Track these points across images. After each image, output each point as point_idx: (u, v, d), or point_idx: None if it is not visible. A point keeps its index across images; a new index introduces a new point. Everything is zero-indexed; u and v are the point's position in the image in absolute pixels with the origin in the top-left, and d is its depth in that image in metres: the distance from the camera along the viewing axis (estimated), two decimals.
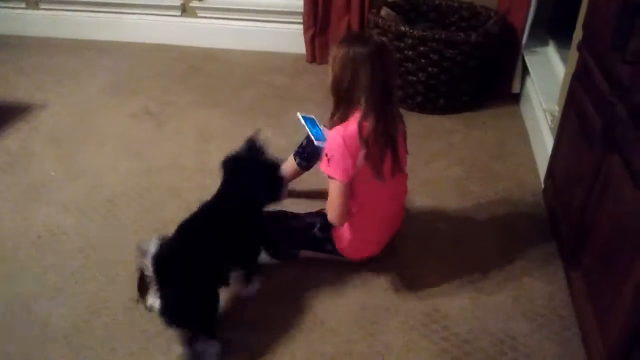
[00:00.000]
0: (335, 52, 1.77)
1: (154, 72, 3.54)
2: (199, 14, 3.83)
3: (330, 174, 1.80)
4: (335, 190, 1.82)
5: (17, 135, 2.87)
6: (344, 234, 1.93)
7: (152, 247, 1.48)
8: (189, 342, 1.64)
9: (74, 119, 3.03)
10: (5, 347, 1.76)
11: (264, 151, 1.86)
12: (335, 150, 1.76)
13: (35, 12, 4.05)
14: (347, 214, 1.86)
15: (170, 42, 3.88)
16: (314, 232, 1.98)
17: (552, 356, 1.69)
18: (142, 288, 1.55)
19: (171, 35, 3.88)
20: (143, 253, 1.49)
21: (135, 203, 2.40)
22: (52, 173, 2.59)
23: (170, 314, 1.55)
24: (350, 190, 1.82)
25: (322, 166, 1.82)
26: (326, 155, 1.79)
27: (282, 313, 1.87)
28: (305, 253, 2.04)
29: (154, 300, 1.53)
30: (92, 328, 1.81)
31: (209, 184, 2.48)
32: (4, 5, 4.05)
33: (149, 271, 1.49)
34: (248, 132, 2.82)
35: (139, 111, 3.09)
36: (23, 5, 4.04)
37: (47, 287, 1.97)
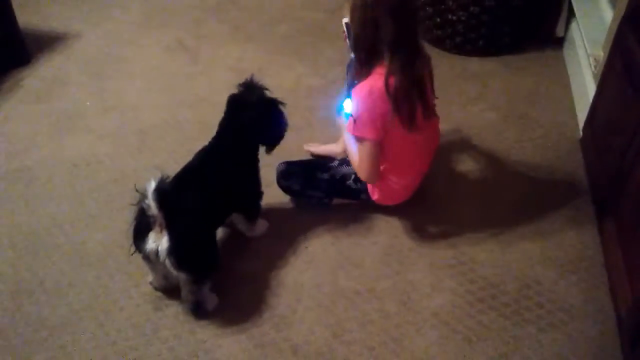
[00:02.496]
0: (354, 2, 1.66)
1: (187, 4, 3.49)
2: None
3: (358, 135, 1.75)
4: (364, 150, 1.77)
5: (51, 64, 2.89)
6: (379, 186, 1.93)
7: (152, 185, 1.44)
8: (190, 289, 1.63)
9: (108, 49, 3.03)
10: (43, 269, 1.84)
11: (263, 91, 1.77)
12: (362, 110, 1.70)
13: None
14: (379, 172, 1.83)
15: None
16: (348, 183, 1.97)
17: (577, 303, 1.69)
18: (139, 233, 1.53)
19: None
20: (143, 193, 1.46)
21: (168, 135, 2.42)
22: (88, 103, 2.62)
23: (182, 251, 1.51)
24: (381, 147, 1.78)
25: (349, 129, 1.76)
26: (352, 116, 1.73)
27: (308, 250, 1.89)
28: (337, 200, 2.04)
29: (156, 242, 1.51)
30: (126, 253, 1.87)
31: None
32: None
33: (153, 209, 1.45)
34: (281, 69, 2.85)
35: (172, 44, 3.07)
36: None
37: (83, 214, 2.03)
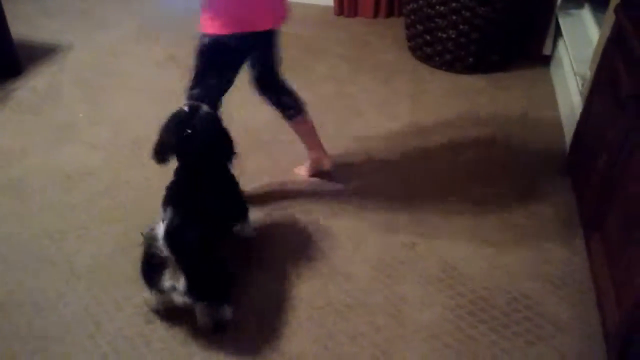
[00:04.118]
0: None
1: (179, 20, 3.52)
2: None
3: None
4: None
5: (43, 75, 2.90)
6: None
7: (162, 229, 1.45)
8: (209, 313, 1.64)
9: (100, 62, 3.04)
10: (33, 280, 1.83)
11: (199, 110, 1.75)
12: None
13: None
14: None
15: None
16: None
17: (565, 317, 1.71)
18: (152, 272, 1.54)
19: None
20: (152, 238, 1.45)
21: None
22: (80, 115, 2.62)
23: (199, 289, 1.53)
24: None
25: None
26: None
27: (299, 263, 1.91)
28: None
29: (172, 281, 1.52)
30: (117, 265, 1.87)
31: (236, 129, 2.51)
32: None
33: (165, 252, 1.45)
34: None
35: (163, 58, 3.09)
36: None
37: (74, 225, 2.03)
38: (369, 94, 2.82)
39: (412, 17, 3.03)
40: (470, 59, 2.95)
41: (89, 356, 1.61)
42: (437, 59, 3.00)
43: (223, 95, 1.97)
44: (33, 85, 2.82)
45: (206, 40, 1.80)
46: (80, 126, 2.55)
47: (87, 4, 3.67)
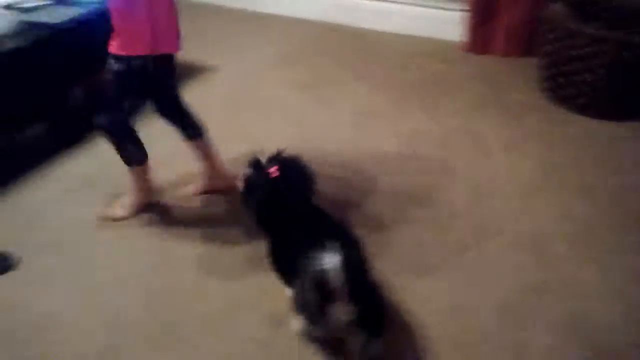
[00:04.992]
0: None
1: (315, 48, 3.72)
2: None
3: None
4: None
5: (193, 93, 3.16)
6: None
7: (333, 259, 1.41)
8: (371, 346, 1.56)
9: (243, 83, 3.28)
10: None
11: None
12: None
13: None
14: None
15: (334, 20, 4.03)
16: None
17: None
18: (317, 308, 1.46)
19: (335, 14, 4.04)
20: (321, 268, 1.41)
21: None
22: (223, 131, 2.83)
23: (374, 318, 1.51)
24: None
25: None
26: None
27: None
28: None
29: (345, 315, 1.45)
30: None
31: (362, 155, 2.62)
32: None
33: (337, 283, 1.40)
34: (400, 114, 2.95)
35: (300, 83, 3.28)
36: None
37: None
38: (498, 132, 2.81)
39: (549, 58, 2.99)
40: (607, 105, 2.85)
41: None
42: (573, 101, 2.93)
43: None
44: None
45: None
46: (222, 141, 2.75)
47: (231, 30, 3.97)
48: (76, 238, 2.17)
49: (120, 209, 2.25)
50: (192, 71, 3.37)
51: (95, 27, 2.55)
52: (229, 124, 2.89)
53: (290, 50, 3.68)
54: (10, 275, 2.00)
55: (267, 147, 2.66)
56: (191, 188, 2.43)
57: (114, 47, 1.93)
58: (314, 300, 1.45)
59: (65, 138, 2.68)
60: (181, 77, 3.24)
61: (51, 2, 2.64)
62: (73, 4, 2.62)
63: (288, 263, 1.66)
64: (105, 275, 2.01)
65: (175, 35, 2.04)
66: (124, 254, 2.10)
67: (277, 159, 1.77)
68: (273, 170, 1.73)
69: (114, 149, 2.14)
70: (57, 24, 2.45)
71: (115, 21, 1.90)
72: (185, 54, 3.51)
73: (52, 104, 2.60)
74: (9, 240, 2.13)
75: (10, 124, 2.42)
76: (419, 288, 1.93)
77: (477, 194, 2.38)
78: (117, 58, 1.93)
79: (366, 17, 3.94)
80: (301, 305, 1.53)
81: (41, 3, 2.62)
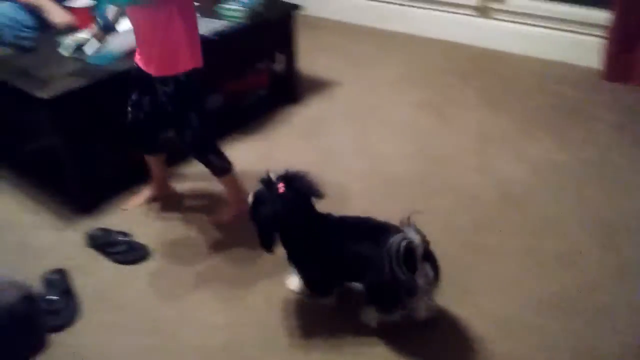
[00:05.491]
0: None
1: (440, 67, 3.68)
2: (494, 16, 3.85)
3: None
4: None
5: (317, 106, 3.27)
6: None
7: (414, 233, 1.64)
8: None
9: (364, 100, 3.32)
10: None
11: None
12: None
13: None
14: None
15: (460, 40, 3.98)
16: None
17: None
18: (410, 267, 1.64)
19: (462, 33, 3.98)
20: (409, 237, 1.62)
21: (412, 186, 2.57)
22: (345, 145, 2.90)
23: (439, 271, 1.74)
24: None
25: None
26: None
27: None
28: None
29: (427, 272, 1.69)
30: None
31: (486, 183, 2.55)
32: None
33: (421, 248, 1.63)
34: (527, 140, 2.85)
35: (422, 102, 3.26)
36: None
37: None
38: (637, 167, 2.62)
39: None
40: None
41: None
42: None
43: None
44: (307, 113, 3.19)
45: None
46: (344, 155, 2.82)
47: (356, 46, 4.04)
48: None
49: (224, 215, 2.38)
50: (316, 85, 3.47)
51: (231, 40, 2.72)
52: (350, 140, 2.94)
53: (415, 68, 3.68)
54: None
55: (386, 165, 2.72)
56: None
57: (160, 67, 2.03)
58: (406, 274, 1.61)
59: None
60: (304, 91, 3.36)
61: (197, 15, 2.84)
62: (217, 18, 2.80)
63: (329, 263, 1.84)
64: None
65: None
66: None
67: (285, 176, 1.82)
68: (280, 187, 1.79)
69: (203, 163, 2.26)
70: (205, 36, 2.63)
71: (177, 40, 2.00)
72: (310, 67, 3.66)
73: None
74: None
75: None
76: None
77: (609, 235, 2.23)
78: (169, 78, 2.04)
79: (495, 37, 3.86)
80: (390, 282, 1.63)
81: None
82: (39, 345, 1.35)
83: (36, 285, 1.94)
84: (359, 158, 2.79)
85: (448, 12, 4.02)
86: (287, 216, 1.79)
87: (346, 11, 4.46)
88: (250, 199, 1.86)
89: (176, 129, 2.17)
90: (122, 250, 2.18)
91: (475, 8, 3.88)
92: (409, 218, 1.68)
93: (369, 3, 4.35)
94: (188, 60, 2.03)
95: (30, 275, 1.98)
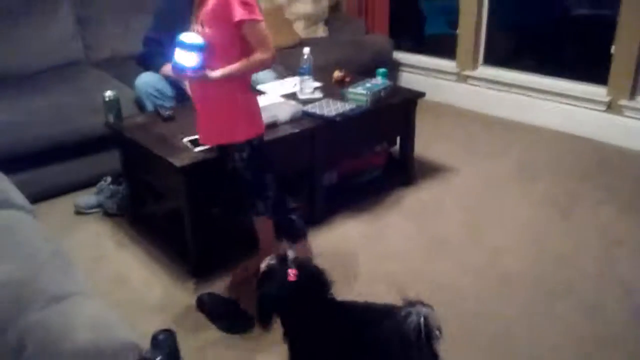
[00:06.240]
0: None
1: (563, 161, 3.53)
2: (624, 113, 3.67)
3: (255, 18, 1.90)
4: (262, 31, 1.94)
5: (430, 191, 3.22)
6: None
7: (423, 307, 1.59)
8: None
9: (481, 189, 3.24)
10: None
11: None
12: None
13: (462, 85, 4.52)
14: None
15: (585, 134, 3.82)
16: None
17: None
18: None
19: (588, 128, 3.82)
20: (422, 316, 1.56)
21: (529, 286, 2.41)
22: (458, 233, 2.81)
23: None
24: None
25: (243, 15, 1.87)
26: (245, 3, 1.87)
27: None
28: None
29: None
30: None
31: (609, 290, 2.35)
32: (438, 76, 4.65)
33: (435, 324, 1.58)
34: None
35: (542, 198, 3.12)
36: (454, 79, 4.56)
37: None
38: None
39: None
40: None
41: None
42: None
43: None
44: (420, 197, 3.16)
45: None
46: (455, 244, 2.73)
47: (476, 132, 4.00)
48: None
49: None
50: (432, 170, 3.44)
51: (353, 122, 2.80)
52: (463, 230, 2.85)
53: (537, 161, 3.55)
54: None
55: (502, 262, 2.58)
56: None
57: (241, 134, 2.07)
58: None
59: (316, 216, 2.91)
60: (420, 175, 3.34)
61: (321, 96, 2.97)
62: (342, 100, 2.90)
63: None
64: None
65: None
66: None
67: (300, 264, 1.73)
68: (292, 273, 1.70)
69: (283, 224, 2.29)
70: (327, 116, 2.74)
71: (244, 105, 2.07)
72: (428, 152, 3.65)
73: (307, 184, 2.86)
74: None
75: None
76: None
77: None
78: (245, 144, 2.08)
79: (624, 134, 3.66)
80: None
81: (315, 96, 2.96)
82: None
83: (144, 343, 2.00)
84: (472, 250, 2.68)
85: (577, 106, 3.89)
86: (289, 305, 1.72)
87: (470, 98, 4.46)
88: (262, 266, 1.81)
89: (256, 194, 2.20)
90: (227, 318, 2.22)
91: (605, 103, 3.73)
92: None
93: (495, 93, 4.33)
94: (260, 125, 2.13)
95: (139, 333, 2.06)
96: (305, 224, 2.36)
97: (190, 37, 1.90)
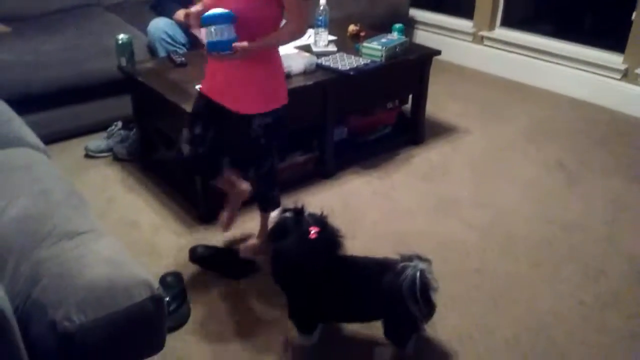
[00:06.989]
0: None
1: (575, 128, 3.51)
2: None
3: None
4: (306, 6, 1.92)
5: (440, 151, 3.22)
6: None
7: (422, 262, 1.66)
8: None
9: (491, 151, 3.23)
10: None
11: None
12: None
13: (478, 46, 4.45)
14: None
15: (599, 102, 3.79)
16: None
17: None
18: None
19: (602, 96, 3.78)
20: (420, 269, 1.63)
21: (534, 248, 2.44)
22: (465, 193, 2.82)
23: None
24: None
25: None
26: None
27: None
28: None
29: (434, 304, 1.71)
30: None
31: (613, 255, 2.37)
32: (454, 35, 4.58)
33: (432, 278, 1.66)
34: None
35: (551, 162, 3.12)
36: (470, 39, 4.49)
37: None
38: None
39: None
40: None
41: None
42: None
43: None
44: (429, 156, 3.16)
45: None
46: (462, 204, 2.74)
47: (489, 94, 3.97)
48: None
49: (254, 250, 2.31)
50: (442, 130, 3.43)
51: (367, 77, 2.78)
52: (471, 189, 2.86)
53: (548, 126, 3.53)
54: None
55: (507, 222, 2.60)
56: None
57: (260, 104, 1.95)
58: (422, 299, 1.62)
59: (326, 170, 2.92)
60: (430, 134, 3.33)
61: (336, 49, 2.94)
62: (357, 54, 2.87)
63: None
64: None
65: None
66: None
67: (320, 221, 1.70)
68: (314, 230, 1.65)
69: (266, 196, 2.23)
70: (341, 70, 2.71)
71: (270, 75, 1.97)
72: (439, 112, 3.63)
73: (317, 137, 2.86)
74: None
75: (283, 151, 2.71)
76: None
77: None
78: (268, 113, 1.96)
79: (632, 101, 3.63)
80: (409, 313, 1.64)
81: (329, 49, 2.93)
82: (158, 346, 1.41)
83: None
84: (479, 210, 2.70)
85: (592, 72, 3.84)
86: (309, 265, 1.68)
87: (485, 60, 4.41)
88: (273, 220, 1.77)
89: (256, 160, 2.11)
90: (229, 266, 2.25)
91: (621, 72, 3.68)
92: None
93: (510, 55, 4.27)
94: (285, 96, 2.02)
95: (150, 273, 2.10)
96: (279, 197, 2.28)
97: (216, 10, 1.72)
